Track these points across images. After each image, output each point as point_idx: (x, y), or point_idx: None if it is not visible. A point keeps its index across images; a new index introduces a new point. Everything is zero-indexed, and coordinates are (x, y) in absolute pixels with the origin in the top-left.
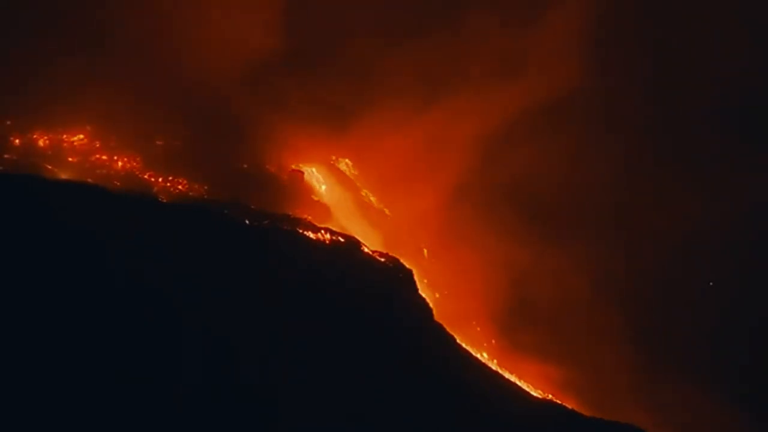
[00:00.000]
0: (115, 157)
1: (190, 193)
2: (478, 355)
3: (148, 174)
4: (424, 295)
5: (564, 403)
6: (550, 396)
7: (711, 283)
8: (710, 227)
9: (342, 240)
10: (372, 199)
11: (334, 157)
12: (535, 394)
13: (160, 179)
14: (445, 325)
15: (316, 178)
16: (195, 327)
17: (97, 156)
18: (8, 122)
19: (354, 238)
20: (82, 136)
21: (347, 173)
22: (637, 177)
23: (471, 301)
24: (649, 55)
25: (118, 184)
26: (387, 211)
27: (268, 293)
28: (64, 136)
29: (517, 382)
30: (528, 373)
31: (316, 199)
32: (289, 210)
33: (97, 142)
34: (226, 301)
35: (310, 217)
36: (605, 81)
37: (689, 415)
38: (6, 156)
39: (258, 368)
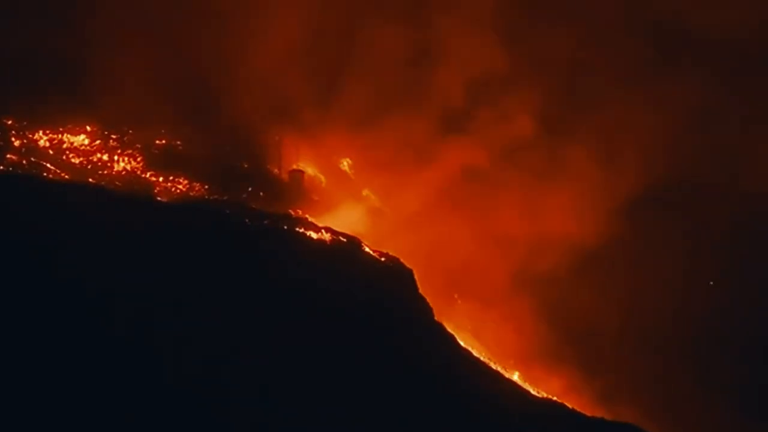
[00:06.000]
0: (116, 157)
1: (190, 193)
2: (479, 355)
3: (148, 174)
4: (424, 295)
5: (564, 403)
6: (551, 396)
7: (711, 283)
8: (713, 227)
9: (342, 240)
10: (373, 198)
11: (335, 157)
12: (535, 394)
13: (161, 179)
14: (445, 325)
15: (317, 177)
16: (195, 327)
17: (98, 156)
18: (8, 122)
19: (354, 237)
20: (83, 137)
21: (348, 173)
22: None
23: (472, 300)
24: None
25: (119, 184)
26: (388, 211)
27: (269, 293)
28: (65, 136)
29: (518, 382)
30: (528, 372)
31: (316, 198)
32: (289, 210)
33: (98, 142)
34: (227, 300)
35: (310, 217)
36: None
37: (690, 415)
38: (7, 156)
39: (258, 368)
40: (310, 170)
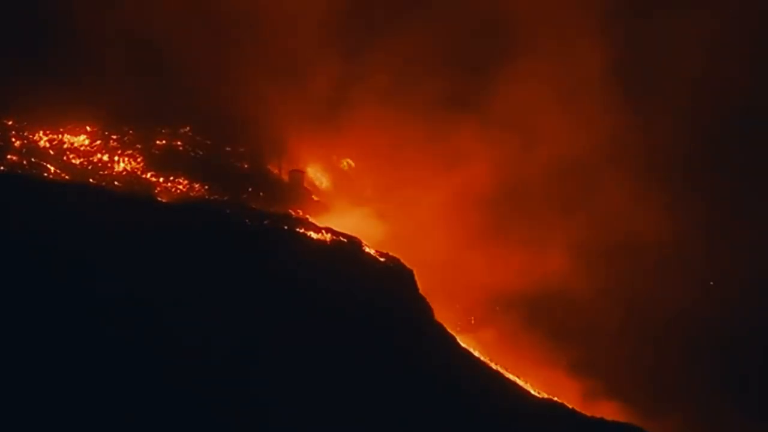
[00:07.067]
0: (116, 158)
1: (190, 193)
2: (479, 355)
3: (148, 174)
4: (424, 295)
5: (564, 403)
6: (551, 396)
7: (711, 283)
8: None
9: (343, 240)
10: (373, 199)
11: (335, 157)
12: (535, 394)
13: (161, 179)
14: (445, 325)
15: (317, 178)
16: (195, 326)
17: (98, 156)
18: (9, 122)
19: (355, 237)
20: (83, 137)
21: (348, 173)
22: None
23: (472, 300)
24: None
25: (119, 184)
26: (388, 211)
27: (269, 293)
28: (65, 136)
29: (518, 382)
30: (529, 372)
31: (316, 199)
32: (289, 210)
33: (98, 142)
34: (227, 300)
35: (310, 217)
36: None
37: (690, 415)
38: (7, 156)
39: (257, 368)
40: (310, 170)
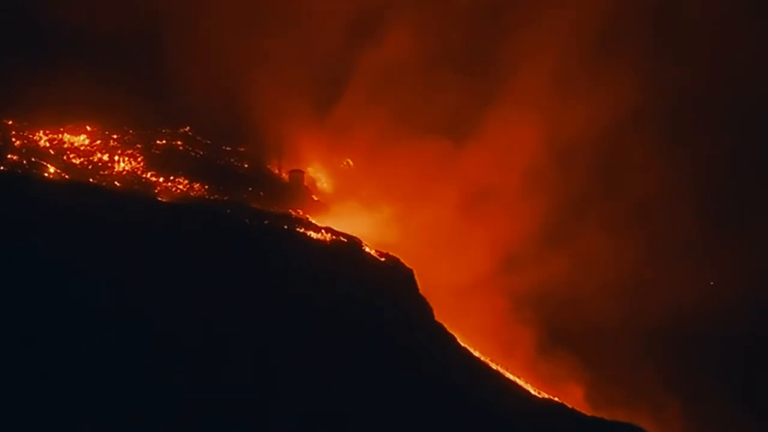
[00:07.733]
0: (116, 158)
1: (191, 193)
2: (479, 355)
3: (148, 174)
4: (424, 295)
5: (564, 403)
6: (551, 396)
7: (712, 283)
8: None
9: (343, 240)
10: (373, 198)
11: (335, 157)
12: (535, 394)
13: (161, 179)
14: (445, 325)
15: (317, 178)
16: (195, 325)
17: (98, 156)
18: (9, 122)
19: (355, 237)
20: (83, 137)
21: (348, 173)
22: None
23: (472, 300)
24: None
25: (119, 184)
26: (388, 212)
27: (269, 292)
28: (65, 136)
29: (518, 382)
30: (529, 372)
31: (316, 199)
32: (289, 210)
33: (98, 142)
34: (227, 300)
35: (310, 217)
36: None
37: (690, 415)
38: (7, 156)
39: (257, 367)
40: (310, 170)
